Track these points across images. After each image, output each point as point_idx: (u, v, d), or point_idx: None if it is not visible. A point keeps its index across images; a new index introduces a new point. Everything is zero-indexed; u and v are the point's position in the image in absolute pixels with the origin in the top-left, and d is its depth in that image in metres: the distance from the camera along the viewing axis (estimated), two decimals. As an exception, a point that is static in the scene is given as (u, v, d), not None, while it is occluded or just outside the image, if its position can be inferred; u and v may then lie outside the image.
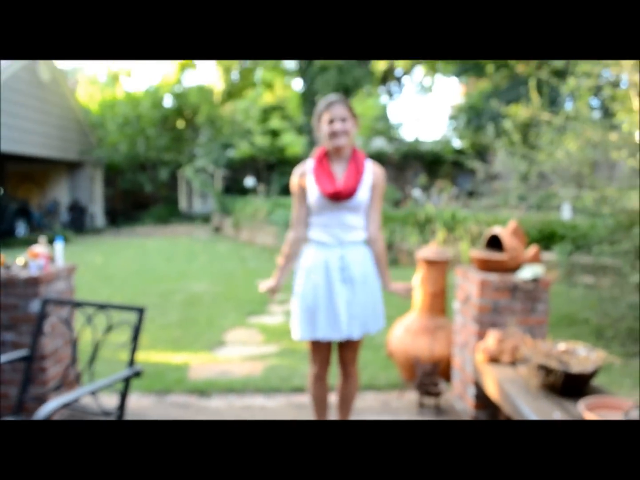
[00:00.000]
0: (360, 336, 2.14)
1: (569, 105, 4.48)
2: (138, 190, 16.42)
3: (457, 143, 15.85)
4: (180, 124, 16.79)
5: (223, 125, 16.39)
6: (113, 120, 15.36)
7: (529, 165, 4.68)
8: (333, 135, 2.03)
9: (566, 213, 8.21)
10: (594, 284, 5.66)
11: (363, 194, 2.11)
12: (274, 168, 16.00)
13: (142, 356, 3.73)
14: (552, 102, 5.63)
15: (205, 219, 15.33)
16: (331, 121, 2.03)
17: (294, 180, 2.17)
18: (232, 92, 15.12)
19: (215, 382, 3.35)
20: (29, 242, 9.40)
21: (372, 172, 2.14)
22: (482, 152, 11.44)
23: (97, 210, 15.41)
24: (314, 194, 2.09)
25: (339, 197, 2.04)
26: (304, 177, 2.14)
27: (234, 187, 16.01)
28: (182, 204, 16.61)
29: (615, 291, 4.48)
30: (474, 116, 13.71)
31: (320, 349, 2.16)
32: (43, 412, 1.38)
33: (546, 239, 6.99)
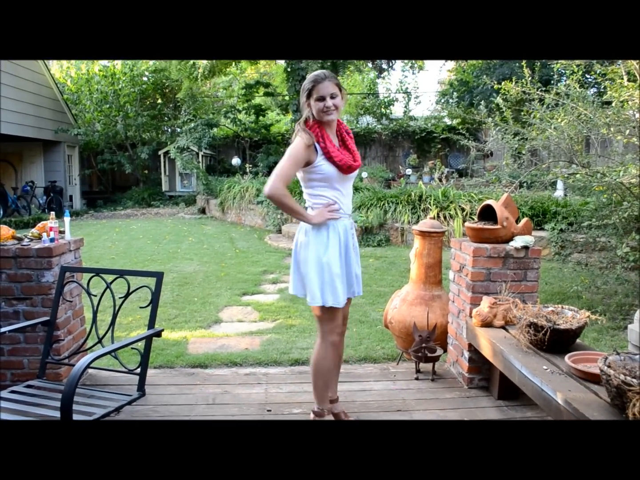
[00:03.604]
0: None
1: (561, 83, 4.56)
2: (117, 171, 16.06)
3: (448, 121, 15.82)
4: (160, 100, 16.37)
5: (205, 103, 16.03)
6: (89, 97, 14.90)
7: (520, 143, 4.76)
8: (325, 112, 2.11)
9: (559, 192, 8.25)
10: (585, 260, 5.82)
11: None
12: (259, 147, 15.72)
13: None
14: (546, 80, 5.72)
15: (189, 200, 15.09)
16: (321, 98, 2.09)
17: (301, 145, 2.11)
18: (214, 68, 14.78)
19: (215, 355, 3.43)
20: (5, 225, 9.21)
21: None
22: (473, 131, 11.47)
23: (74, 193, 15.05)
24: (327, 167, 2.15)
25: (355, 169, 2.22)
26: (312, 149, 2.14)
27: (217, 167, 15.78)
28: (164, 185, 16.25)
29: (604, 265, 4.63)
30: (465, 93, 13.75)
31: (339, 312, 2.25)
32: (78, 366, 1.45)
33: (538, 217, 6.94)
